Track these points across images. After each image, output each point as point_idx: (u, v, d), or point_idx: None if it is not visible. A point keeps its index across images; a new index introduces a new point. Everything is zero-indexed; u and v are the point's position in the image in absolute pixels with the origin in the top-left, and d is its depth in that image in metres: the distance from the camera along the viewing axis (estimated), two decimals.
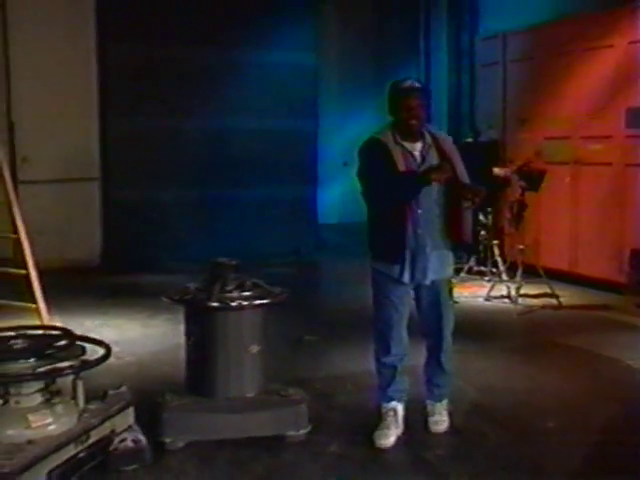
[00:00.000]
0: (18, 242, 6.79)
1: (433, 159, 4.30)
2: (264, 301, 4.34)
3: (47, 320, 6.77)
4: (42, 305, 6.81)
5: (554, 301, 7.80)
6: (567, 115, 8.98)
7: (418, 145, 4.33)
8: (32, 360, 3.63)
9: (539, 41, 9.44)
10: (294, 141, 10.84)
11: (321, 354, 6.10)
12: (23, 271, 6.85)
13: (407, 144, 4.30)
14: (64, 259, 9.39)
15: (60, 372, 3.61)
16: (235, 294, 4.32)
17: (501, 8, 10.04)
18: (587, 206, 8.71)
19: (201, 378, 4.37)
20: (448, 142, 4.42)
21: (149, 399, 4.36)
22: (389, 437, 4.36)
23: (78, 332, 4.23)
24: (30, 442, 3.44)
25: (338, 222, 13.58)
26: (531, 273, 8.02)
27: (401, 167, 4.24)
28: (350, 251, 10.49)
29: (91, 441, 3.73)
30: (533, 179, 7.96)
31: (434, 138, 4.38)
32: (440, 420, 4.55)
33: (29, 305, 6.86)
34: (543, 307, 7.73)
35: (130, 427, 4.00)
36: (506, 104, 9.78)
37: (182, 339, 5.84)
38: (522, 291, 7.85)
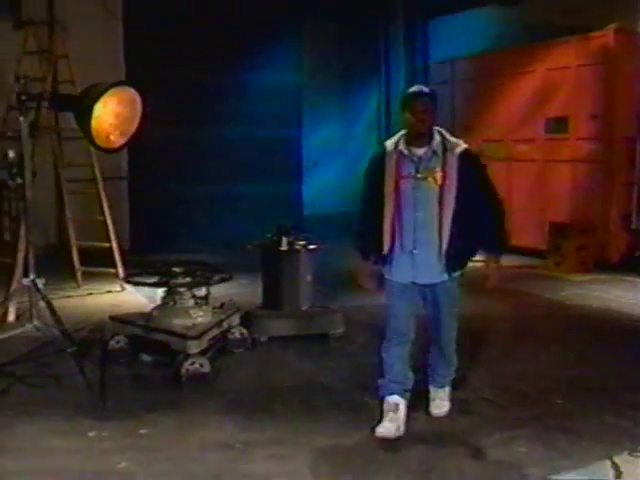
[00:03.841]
0: (104, 222, 9.09)
1: (436, 166, 4.32)
2: (314, 246, 6.76)
3: (124, 282, 8.99)
4: (121, 270, 9.08)
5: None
6: (501, 123, 11.32)
7: (422, 150, 4.34)
8: (188, 278, 6.01)
9: (480, 66, 11.77)
10: (283, 146, 13.08)
11: (331, 297, 8.18)
12: (107, 244, 9.14)
13: (412, 148, 4.36)
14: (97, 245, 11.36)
15: (208, 283, 5.98)
16: (295, 242, 6.74)
17: (450, 40, 12.38)
18: (518, 192, 11.07)
19: (274, 297, 6.78)
20: (453, 155, 4.34)
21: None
22: (390, 430, 4.48)
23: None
24: (194, 325, 5.80)
25: (310, 214, 15.71)
26: None
27: (392, 174, 4.36)
28: (326, 236, 12.79)
29: (221, 329, 6.11)
30: None
31: (445, 146, 4.36)
32: (441, 404, 4.85)
33: (109, 270, 9.16)
34: (486, 267, 10.28)
35: (238, 325, 6.39)
36: (454, 114, 11.94)
37: (230, 290, 7.97)
38: None
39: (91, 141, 5.45)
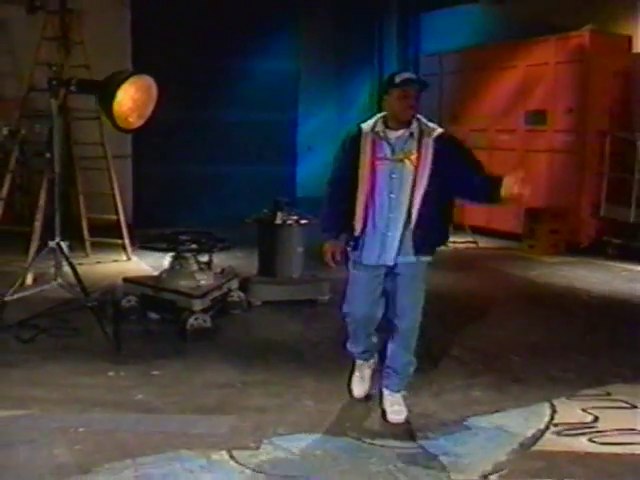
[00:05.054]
0: (112, 196, 9.82)
1: (411, 147, 4.29)
2: (305, 221, 7.51)
3: (130, 252, 9.78)
4: (127, 241, 9.83)
5: (474, 245, 11.17)
6: (485, 114, 12.06)
7: (399, 132, 4.30)
8: (193, 245, 6.77)
9: (466, 60, 12.52)
10: (279, 130, 13.77)
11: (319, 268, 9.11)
12: (114, 217, 9.87)
13: (388, 131, 4.32)
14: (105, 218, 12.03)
15: (213, 249, 6.74)
16: (288, 217, 7.49)
17: (440, 34, 13.11)
18: None
19: (268, 266, 7.54)
20: (430, 137, 4.30)
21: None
22: (363, 388, 5.01)
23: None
24: (198, 286, 6.56)
25: (303, 196, 16.33)
26: (458, 229, 11.30)
27: (367, 156, 4.32)
28: (317, 216, 13.50)
29: (222, 292, 6.88)
30: None
31: (421, 130, 4.31)
32: (399, 410, 4.60)
33: (117, 241, 9.90)
34: (466, 248, 11.08)
35: (236, 289, 7.15)
36: (442, 105, 12.65)
37: (228, 261, 8.70)
38: (451, 239, 11.09)
39: (113, 122, 6.18)
